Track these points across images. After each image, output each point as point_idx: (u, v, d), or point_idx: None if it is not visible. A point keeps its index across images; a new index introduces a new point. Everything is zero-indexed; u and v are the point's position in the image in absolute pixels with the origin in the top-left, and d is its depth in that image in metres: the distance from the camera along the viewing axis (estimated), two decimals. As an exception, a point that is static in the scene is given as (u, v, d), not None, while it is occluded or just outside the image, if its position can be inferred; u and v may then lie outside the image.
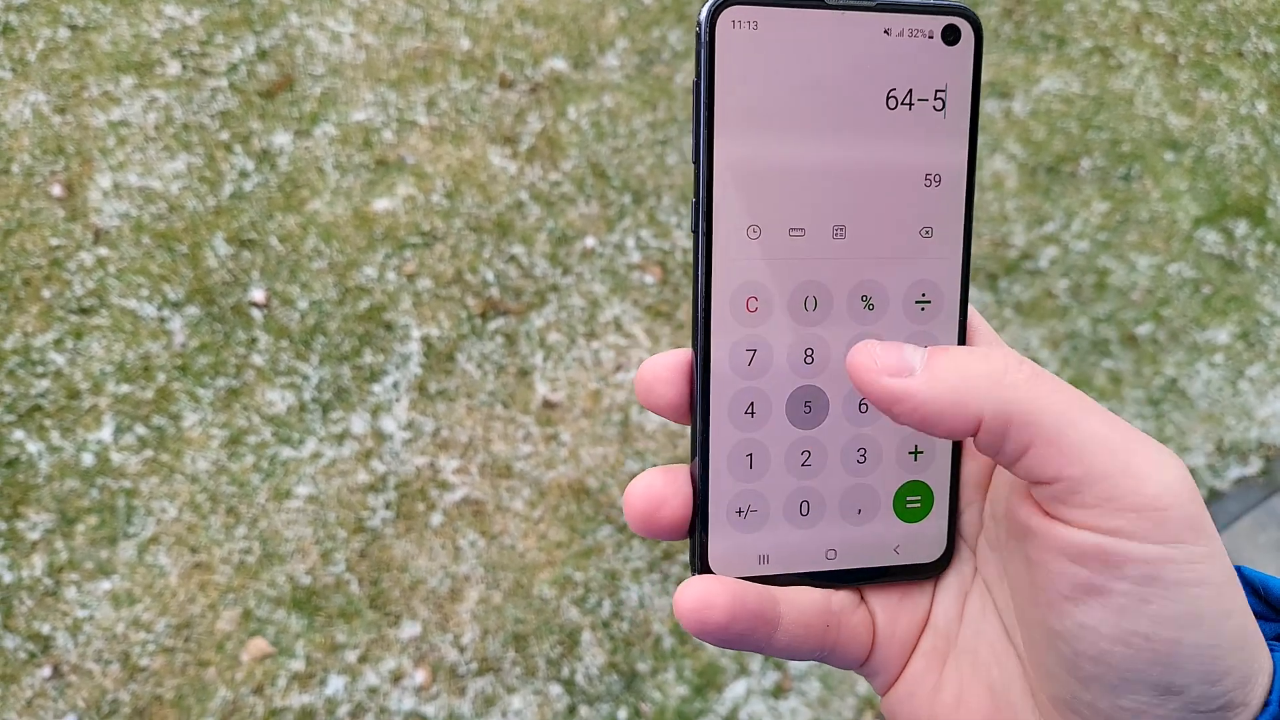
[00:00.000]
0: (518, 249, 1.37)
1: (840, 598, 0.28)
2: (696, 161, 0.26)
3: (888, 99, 0.27)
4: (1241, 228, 1.56)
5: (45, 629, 1.10)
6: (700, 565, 0.28)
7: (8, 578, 1.12)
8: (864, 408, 0.28)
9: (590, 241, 1.39)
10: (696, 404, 0.27)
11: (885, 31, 0.26)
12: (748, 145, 0.26)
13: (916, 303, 0.28)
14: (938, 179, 0.27)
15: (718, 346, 0.27)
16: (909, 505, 0.29)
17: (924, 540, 0.29)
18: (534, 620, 1.16)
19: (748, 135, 0.26)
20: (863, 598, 0.29)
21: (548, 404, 1.28)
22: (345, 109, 1.44)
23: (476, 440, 1.25)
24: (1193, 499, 0.23)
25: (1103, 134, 1.61)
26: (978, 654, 0.27)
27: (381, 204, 1.38)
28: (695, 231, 0.27)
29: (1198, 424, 1.41)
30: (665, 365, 0.27)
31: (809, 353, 0.28)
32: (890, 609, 0.28)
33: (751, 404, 0.27)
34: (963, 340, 0.29)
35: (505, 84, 1.50)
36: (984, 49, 0.26)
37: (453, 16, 1.54)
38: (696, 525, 0.28)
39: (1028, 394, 0.24)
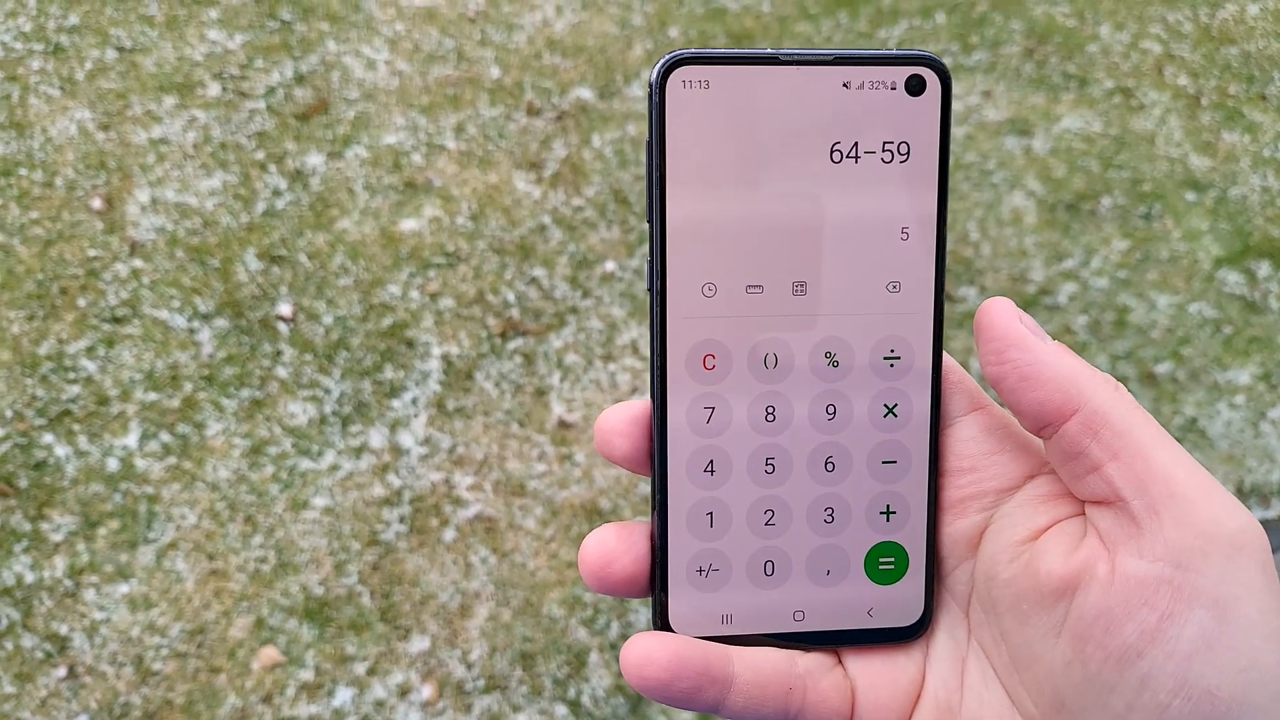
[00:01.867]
0: (539, 271, 1.40)
1: (808, 660, 0.27)
2: (650, 220, 0.26)
3: (848, 153, 0.26)
4: (1264, 269, 1.55)
5: (63, 630, 1.12)
6: (661, 624, 0.27)
7: (29, 578, 1.14)
8: (830, 466, 0.27)
9: (610, 266, 1.41)
10: (655, 461, 0.27)
11: (845, 85, 0.26)
12: (701, 203, 0.26)
13: (885, 359, 0.27)
14: (905, 232, 0.27)
15: (675, 404, 0.27)
16: (882, 567, 0.28)
17: (899, 603, 0.28)
18: (542, 639, 1.17)
19: (701, 193, 0.26)
20: (840, 661, 0.28)
21: (563, 424, 1.29)
22: (377, 132, 1.48)
23: (491, 458, 1.26)
24: (1266, 548, 0.22)
25: (1123, 173, 1.61)
26: None
27: (408, 224, 1.41)
28: (650, 290, 0.26)
29: (1218, 465, 1.39)
30: (621, 418, 0.27)
31: (770, 410, 0.27)
32: (871, 675, 0.27)
33: (711, 462, 0.27)
34: (937, 398, 0.27)
35: (532, 111, 1.53)
36: (951, 99, 0.27)
37: (484, 46, 1.58)
38: (656, 583, 0.27)
39: (1130, 409, 0.23)
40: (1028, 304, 1.48)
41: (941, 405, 0.28)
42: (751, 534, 0.27)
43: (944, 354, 0.28)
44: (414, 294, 1.36)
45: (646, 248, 0.29)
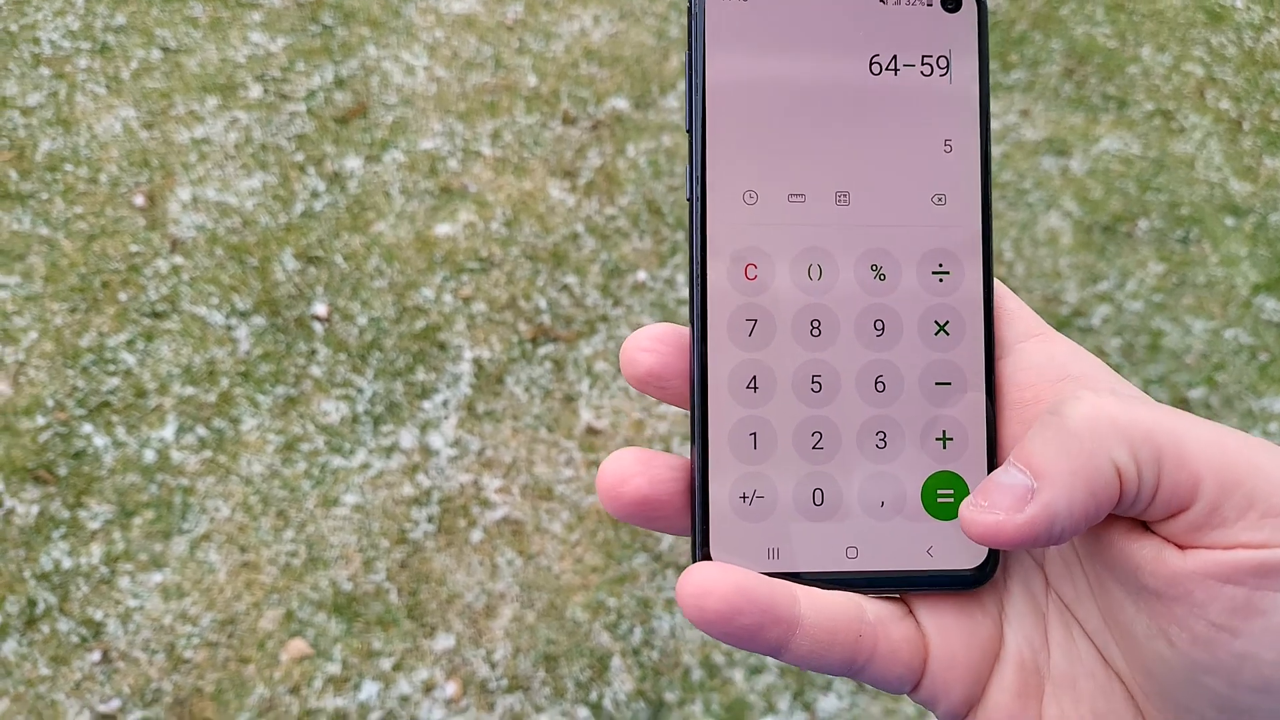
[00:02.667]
0: (571, 279, 1.41)
1: (878, 607, 0.25)
2: (690, 130, 0.26)
3: (888, 65, 0.26)
4: (1302, 296, 1.54)
5: (98, 615, 1.14)
6: (701, 555, 0.25)
7: (67, 563, 1.16)
8: (880, 385, 0.26)
9: (642, 275, 1.42)
10: (694, 377, 0.25)
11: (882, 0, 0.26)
12: (742, 112, 0.26)
13: (933, 273, 0.26)
14: (949, 145, 0.26)
15: (715, 316, 0.25)
16: (940, 499, 0.26)
17: (962, 542, 0.25)
18: (565, 642, 1.18)
19: (742, 101, 0.26)
20: (910, 610, 0.25)
21: (591, 430, 1.30)
22: (414, 137, 1.50)
23: (520, 461, 1.27)
24: None
25: (1161, 196, 1.60)
26: (1077, 686, 0.24)
27: (443, 229, 1.43)
28: (690, 199, 0.26)
29: (1249, 492, 1.38)
30: (648, 334, 0.26)
31: (815, 324, 0.26)
32: (945, 628, 0.25)
33: (754, 378, 0.25)
34: (989, 318, 0.26)
35: (568, 120, 1.55)
36: (988, 17, 0.27)
37: (522, 54, 1.60)
38: (696, 511, 0.25)
39: (1140, 419, 0.22)
40: (1061, 325, 1.47)
41: (996, 332, 0.26)
42: (799, 457, 0.26)
43: (998, 283, 0.27)
44: (447, 298, 1.38)
45: (686, 157, 0.28)
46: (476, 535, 1.22)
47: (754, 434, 0.25)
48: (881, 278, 0.26)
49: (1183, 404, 1.43)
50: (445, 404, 1.30)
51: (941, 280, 0.26)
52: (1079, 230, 1.55)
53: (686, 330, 0.26)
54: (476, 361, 1.33)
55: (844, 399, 0.26)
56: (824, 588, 0.25)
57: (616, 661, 1.17)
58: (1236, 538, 0.21)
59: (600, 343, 1.36)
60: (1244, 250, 1.57)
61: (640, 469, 0.25)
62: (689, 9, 0.26)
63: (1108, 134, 1.65)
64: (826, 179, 0.26)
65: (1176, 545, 0.22)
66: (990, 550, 0.26)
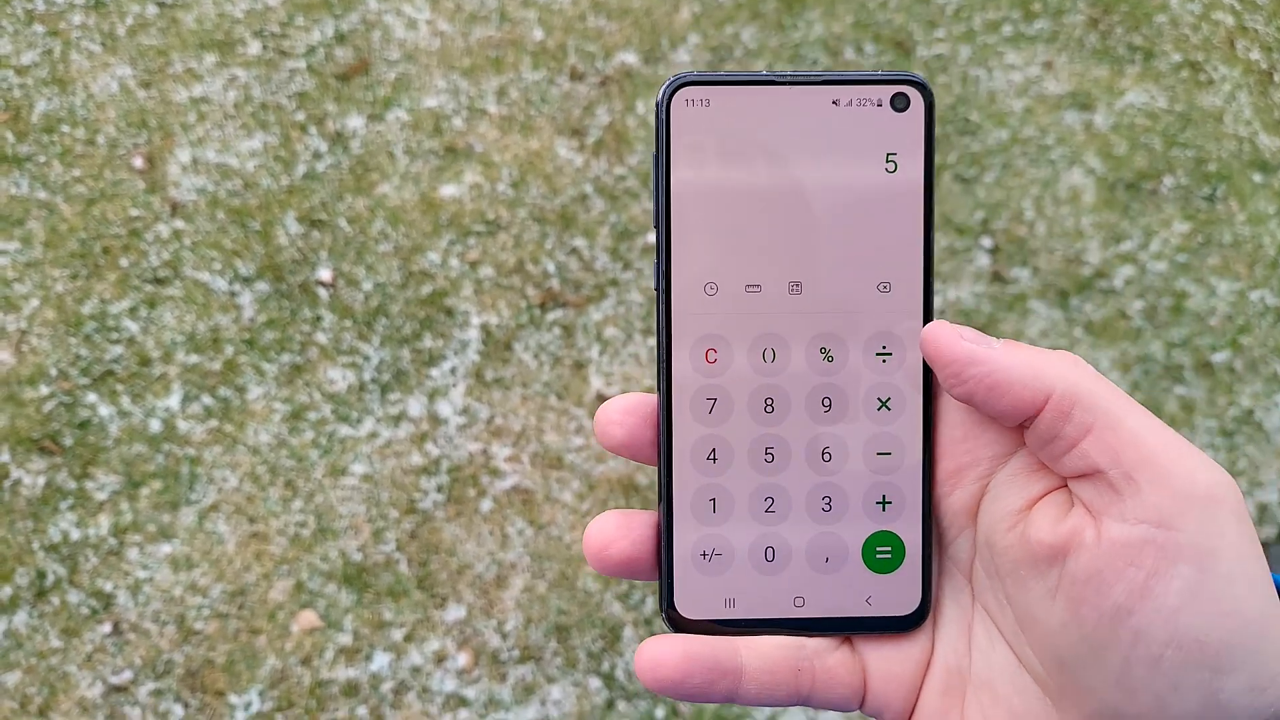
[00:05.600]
0: (580, 242, 1.38)
1: (815, 641, 0.29)
2: (657, 225, 0.28)
3: (839, 164, 0.28)
4: (1331, 256, 1.49)
5: (108, 587, 1.14)
6: (667, 604, 0.29)
7: (75, 535, 1.16)
8: (827, 455, 0.29)
9: (652, 237, 1.39)
10: (661, 449, 0.29)
11: (834, 102, 0.28)
12: (703, 209, 0.28)
13: (877, 354, 0.29)
14: (894, 236, 0.29)
15: (679, 395, 0.28)
16: (879, 556, 0.29)
17: (897, 592, 0.29)
18: (577, 612, 1.17)
19: (703, 200, 0.28)
20: (847, 639, 0.29)
21: (601, 398, 1.28)
22: (418, 95, 1.45)
23: (529, 430, 1.25)
24: (1240, 499, 0.23)
25: (1188, 151, 1.55)
26: (995, 686, 0.27)
27: (448, 190, 1.39)
28: (656, 289, 0.29)
29: (1273, 459, 1.35)
30: (618, 408, 0.29)
31: (769, 402, 0.29)
32: (880, 648, 0.29)
33: (713, 450, 0.29)
34: (929, 394, 0.29)
35: (575, 76, 1.50)
36: (934, 115, 0.29)
37: (527, 7, 1.55)
38: (663, 566, 0.29)
39: (1094, 381, 0.25)
40: (1082, 287, 1.43)
41: (934, 388, 0.29)
42: (753, 520, 0.29)
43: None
44: (454, 262, 1.35)
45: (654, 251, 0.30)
46: (486, 505, 1.21)
47: (713, 499, 0.29)
48: (830, 359, 0.29)
49: (1206, 368, 1.40)
50: (453, 371, 1.28)
51: (884, 361, 0.29)
52: (1102, 188, 1.51)
53: (654, 399, 0.29)
54: (484, 328, 1.31)
55: (794, 468, 0.29)
56: (774, 633, 0.29)
57: (628, 632, 1.16)
58: (1139, 511, 0.23)
59: (610, 308, 1.33)
60: (1272, 208, 1.52)
61: (622, 533, 0.28)
62: (655, 113, 0.28)
63: (1133, 87, 1.60)
64: (781, 270, 0.29)
65: (1092, 518, 0.24)
66: (923, 597, 0.29)
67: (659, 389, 0.29)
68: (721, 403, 0.29)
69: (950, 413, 0.29)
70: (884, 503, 0.29)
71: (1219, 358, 1.41)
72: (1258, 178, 1.54)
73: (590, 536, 0.29)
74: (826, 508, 0.29)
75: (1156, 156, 1.54)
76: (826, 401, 0.29)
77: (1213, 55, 1.64)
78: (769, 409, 0.29)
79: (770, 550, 0.29)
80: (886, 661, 0.28)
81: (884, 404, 0.29)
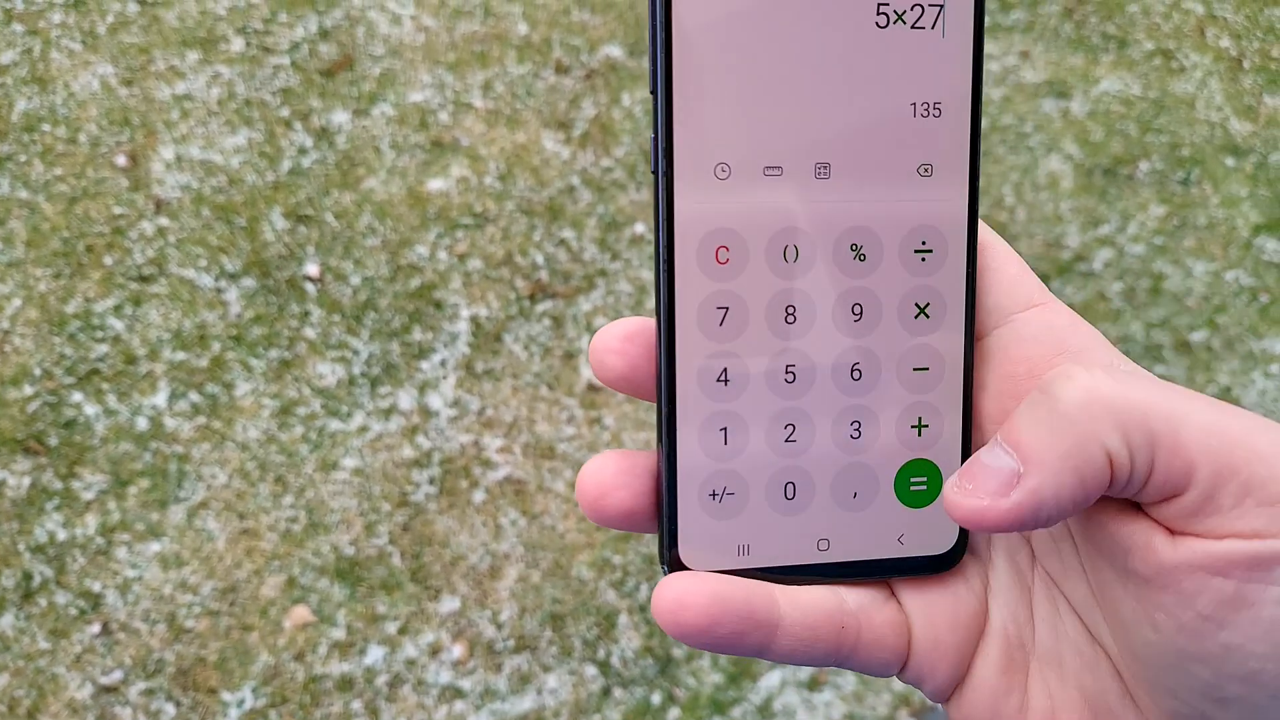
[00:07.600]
0: (568, 233, 1.38)
1: (859, 595, 0.24)
2: (654, 90, 0.23)
3: (876, 18, 0.23)
4: (1304, 237, 1.52)
5: (96, 587, 1.12)
6: (669, 557, 0.24)
7: (62, 535, 1.14)
8: (857, 374, 0.24)
9: (640, 228, 1.39)
10: (661, 371, 0.24)
11: None
12: (713, 73, 0.23)
13: (915, 252, 0.24)
14: (937, 109, 0.24)
15: (684, 305, 0.23)
16: (913, 488, 0.25)
17: (932, 528, 0.25)
18: (572, 601, 1.17)
19: (712, 61, 0.23)
20: (893, 594, 0.25)
21: (592, 388, 1.28)
22: (403, 90, 1.45)
23: (520, 420, 1.25)
24: None
25: (1162, 137, 1.58)
26: (1064, 661, 0.24)
27: (435, 184, 1.39)
28: (655, 172, 0.23)
29: (1252, 435, 1.38)
30: (616, 334, 0.24)
31: (790, 311, 0.24)
32: (927, 609, 0.25)
33: (725, 370, 0.24)
34: (971, 299, 0.25)
35: (561, 69, 1.50)
36: None
37: (511, 2, 1.55)
38: (664, 511, 0.24)
39: (1135, 402, 0.20)
40: (1063, 270, 1.45)
41: (980, 302, 0.25)
42: (770, 451, 0.24)
43: (1004, 245, 0.25)
44: (442, 255, 1.35)
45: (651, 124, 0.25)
46: (479, 496, 1.21)
47: (724, 429, 0.24)
48: (861, 259, 0.24)
49: (1184, 347, 1.42)
50: (443, 364, 1.28)
51: (924, 260, 0.25)
52: (1080, 173, 1.53)
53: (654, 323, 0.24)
54: (474, 320, 1.31)
55: (819, 389, 0.24)
56: (793, 581, 0.24)
57: (623, 619, 1.16)
58: (1230, 526, 0.20)
59: (599, 298, 1.34)
60: (1244, 191, 1.55)
61: (622, 481, 0.24)
62: None
63: (1108, 75, 1.62)
64: (806, 148, 0.23)
65: (1168, 530, 0.21)
66: (960, 532, 0.25)
67: (658, 299, 0.24)
68: (734, 313, 0.24)
69: (1015, 343, 0.25)
70: (920, 426, 0.25)
71: (1197, 337, 1.43)
72: (1230, 161, 1.57)
73: (585, 482, 0.24)
74: (856, 434, 0.25)
75: (1132, 142, 1.57)
76: (857, 309, 0.24)
77: (1184, 43, 1.67)
78: (790, 319, 0.24)
79: (790, 486, 0.24)
80: (935, 625, 0.24)
81: (922, 310, 0.25)
